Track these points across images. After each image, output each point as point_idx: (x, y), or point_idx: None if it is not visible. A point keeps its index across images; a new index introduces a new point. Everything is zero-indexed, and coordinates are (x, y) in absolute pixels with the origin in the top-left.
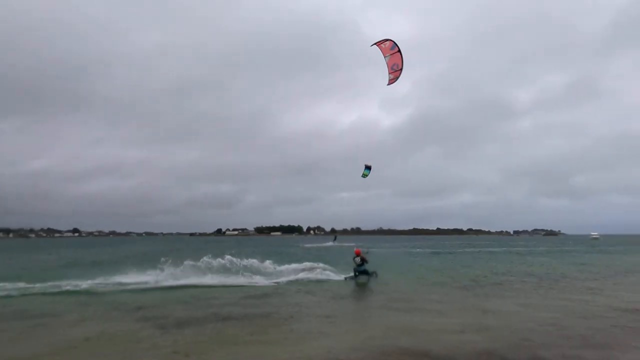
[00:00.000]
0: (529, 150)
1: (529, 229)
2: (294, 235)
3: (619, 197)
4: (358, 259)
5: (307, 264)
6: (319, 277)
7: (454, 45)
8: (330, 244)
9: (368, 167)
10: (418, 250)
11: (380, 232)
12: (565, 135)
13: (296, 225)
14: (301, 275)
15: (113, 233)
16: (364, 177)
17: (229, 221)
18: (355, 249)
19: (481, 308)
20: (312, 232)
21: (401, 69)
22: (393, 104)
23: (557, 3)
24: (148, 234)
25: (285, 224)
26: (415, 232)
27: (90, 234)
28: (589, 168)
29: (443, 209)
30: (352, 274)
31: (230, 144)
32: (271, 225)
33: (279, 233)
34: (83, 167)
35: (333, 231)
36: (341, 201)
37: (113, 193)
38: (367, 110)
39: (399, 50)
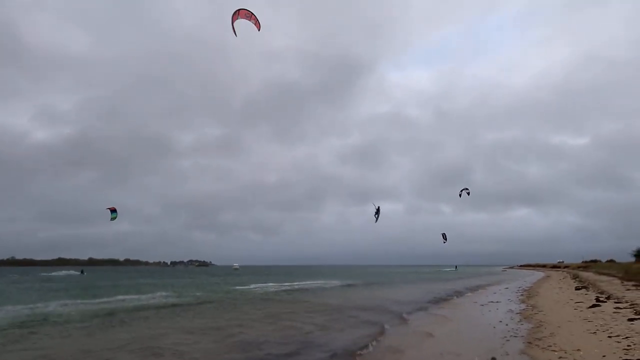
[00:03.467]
0: (187, 186)
1: (185, 260)
2: None
3: (254, 235)
4: None
5: None
6: None
7: (128, 72)
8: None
9: (114, 210)
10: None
11: (13, 262)
12: (217, 179)
13: None
14: None
15: None
16: (112, 219)
17: None
18: None
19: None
20: None
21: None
22: (50, 117)
23: (218, 66)
24: None
25: None
26: (62, 262)
27: None
28: (233, 208)
29: (97, 238)
30: None
31: None
32: None
33: None
34: None
35: None
36: None
37: None
38: (14, 119)
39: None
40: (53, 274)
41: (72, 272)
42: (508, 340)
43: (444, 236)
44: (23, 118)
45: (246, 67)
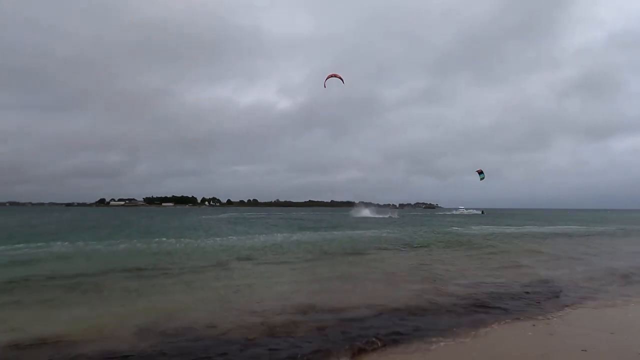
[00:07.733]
0: (400, 137)
1: (412, 202)
2: (187, 206)
3: (471, 177)
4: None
5: None
6: None
7: (342, 45)
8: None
9: (481, 172)
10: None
11: (277, 204)
12: (429, 127)
13: (190, 196)
14: None
15: None
16: (481, 179)
17: (114, 191)
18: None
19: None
20: (207, 203)
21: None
22: (289, 91)
23: (417, 25)
24: (13, 203)
25: (178, 194)
26: (311, 204)
27: None
28: (449, 153)
29: (334, 184)
30: None
31: (124, 116)
32: (162, 196)
33: (171, 204)
34: None
35: (229, 202)
36: (237, 174)
37: None
38: (265, 95)
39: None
40: (455, 212)
41: (472, 211)
42: None
43: None
44: (270, 93)
45: (440, 18)
